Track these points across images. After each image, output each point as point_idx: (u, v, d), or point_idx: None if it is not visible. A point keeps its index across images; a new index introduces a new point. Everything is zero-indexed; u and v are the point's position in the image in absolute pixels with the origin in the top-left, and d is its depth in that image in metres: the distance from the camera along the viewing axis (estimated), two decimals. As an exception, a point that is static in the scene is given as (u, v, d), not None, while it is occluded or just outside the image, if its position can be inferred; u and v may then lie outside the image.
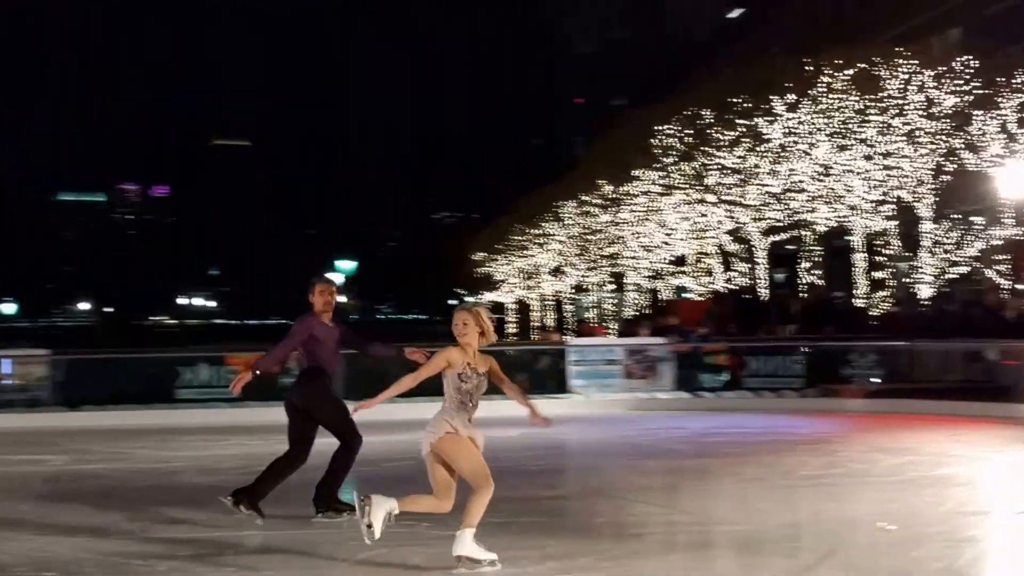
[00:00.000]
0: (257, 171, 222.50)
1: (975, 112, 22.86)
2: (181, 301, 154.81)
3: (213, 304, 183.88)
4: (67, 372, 20.75)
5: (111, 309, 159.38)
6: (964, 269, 24.99)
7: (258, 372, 9.02)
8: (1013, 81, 22.66)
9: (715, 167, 27.39)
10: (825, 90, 23.94)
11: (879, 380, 20.38)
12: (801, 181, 26.07)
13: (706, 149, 27.24)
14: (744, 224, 29.48)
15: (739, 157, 26.41)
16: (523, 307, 57.24)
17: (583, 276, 44.49)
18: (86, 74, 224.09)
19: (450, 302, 66.02)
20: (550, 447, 14.38)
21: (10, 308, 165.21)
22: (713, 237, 32.18)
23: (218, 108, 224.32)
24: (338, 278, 79.48)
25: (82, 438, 16.29)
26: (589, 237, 38.66)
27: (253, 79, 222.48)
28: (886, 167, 24.44)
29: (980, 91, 22.85)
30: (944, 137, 23.45)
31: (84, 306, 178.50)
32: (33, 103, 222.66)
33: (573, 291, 49.34)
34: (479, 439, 7.04)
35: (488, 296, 58.09)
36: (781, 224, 28.86)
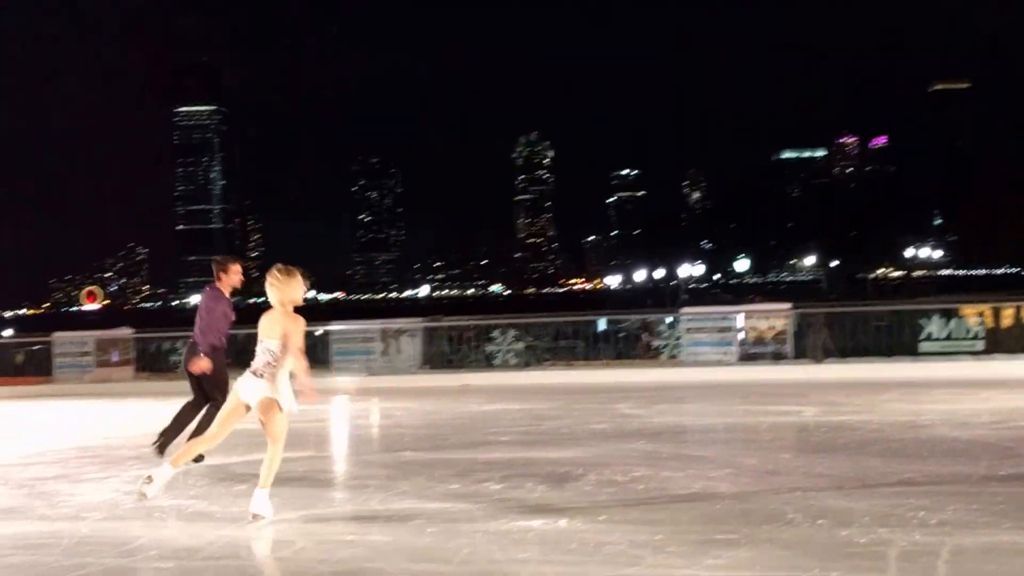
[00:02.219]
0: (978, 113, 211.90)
1: None
2: (908, 252, 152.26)
3: (939, 254, 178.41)
4: (800, 325, 21.25)
5: (836, 262, 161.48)
6: None
7: None
8: None
9: None
10: None
11: None
12: None
13: None
14: None
15: None
16: None
17: None
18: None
19: None
20: None
21: (743, 265, 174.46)
22: None
23: (932, 53, 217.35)
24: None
25: (828, 391, 16.52)
26: None
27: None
28: None
29: None
30: None
31: (809, 260, 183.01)
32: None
33: None
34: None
35: None
36: None
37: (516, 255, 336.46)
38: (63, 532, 7.53)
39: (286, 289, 7.67)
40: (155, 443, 10.80)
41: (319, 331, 24.10)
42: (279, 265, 7.84)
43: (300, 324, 7.61)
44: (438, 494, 8.61)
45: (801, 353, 20.82)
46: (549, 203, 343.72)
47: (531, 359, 23.06)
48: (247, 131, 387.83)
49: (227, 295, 10.96)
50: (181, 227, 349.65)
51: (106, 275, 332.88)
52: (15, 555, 6.84)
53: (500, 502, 8.20)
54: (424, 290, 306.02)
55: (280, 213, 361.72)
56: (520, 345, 22.92)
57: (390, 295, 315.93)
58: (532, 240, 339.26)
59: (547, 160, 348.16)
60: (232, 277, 11.00)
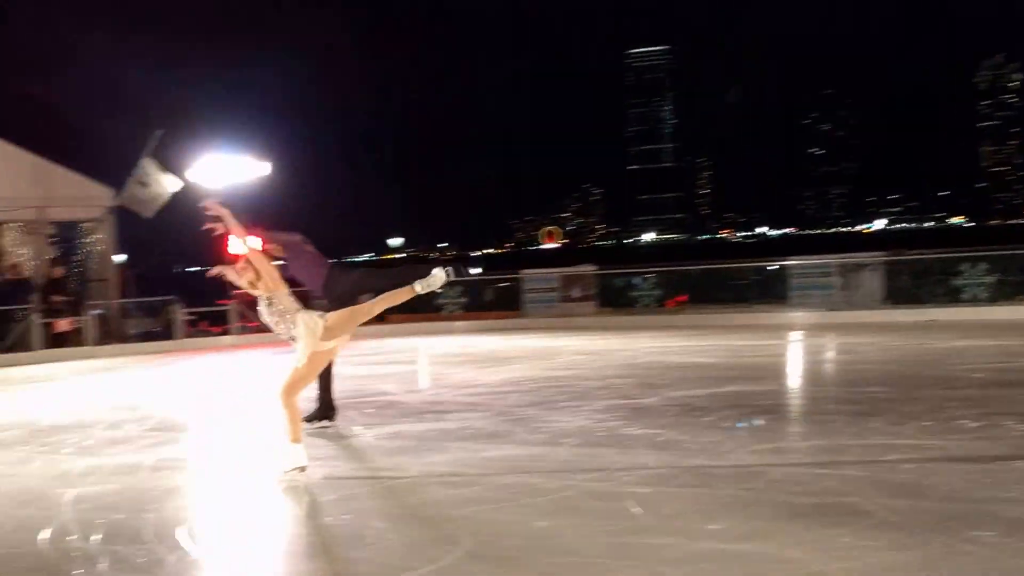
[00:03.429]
0: None
1: None
2: None
3: None
4: None
5: None
6: None
7: None
8: None
9: None
10: None
11: None
12: None
13: None
14: None
15: None
16: None
17: None
18: None
19: None
20: None
21: None
22: None
23: None
24: None
25: None
26: None
27: None
28: None
29: None
30: None
31: None
32: None
33: None
34: None
35: None
36: None
37: (979, 185, 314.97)
38: (545, 455, 8.03)
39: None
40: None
41: (774, 266, 23.88)
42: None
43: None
44: (911, 430, 8.31)
45: None
46: (1016, 129, 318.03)
47: (1001, 294, 21.53)
48: (697, 68, 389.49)
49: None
50: (634, 167, 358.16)
51: (563, 215, 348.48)
52: (503, 476, 7.38)
53: (977, 440, 7.80)
54: (879, 223, 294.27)
55: (728, 151, 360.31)
56: (991, 279, 21.46)
57: (842, 229, 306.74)
58: (996, 169, 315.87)
59: (1014, 84, 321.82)
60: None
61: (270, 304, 7.69)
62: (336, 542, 5.94)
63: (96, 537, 6.19)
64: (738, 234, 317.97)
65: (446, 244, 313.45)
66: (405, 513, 6.50)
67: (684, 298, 24.13)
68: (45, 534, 6.32)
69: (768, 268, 24.07)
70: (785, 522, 5.79)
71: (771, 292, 23.25)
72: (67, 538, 6.23)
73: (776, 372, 13.75)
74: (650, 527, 5.87)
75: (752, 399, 10.49)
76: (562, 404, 10.76)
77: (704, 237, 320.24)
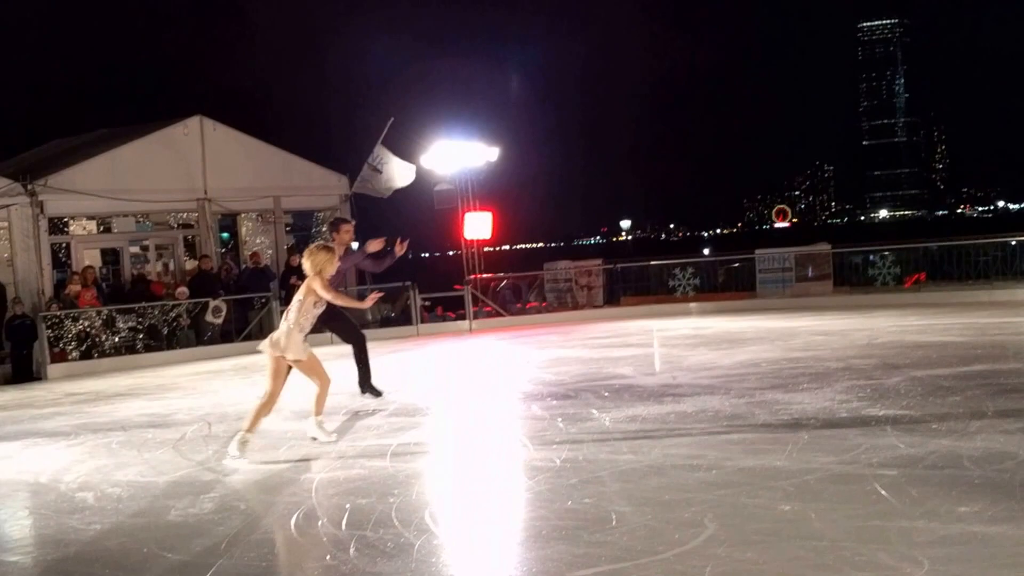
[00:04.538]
0: None
1: None
2: None
3: None
4: None
5: None
6: None
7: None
8: None
9: None
10: None
11: None
12: None
13: None
14: None
15: None
16: None
17: None
18: None
19: None
20: None
21: None
22: None
23: None
24: None
25: None
26: None
27: None
28: None
29: None
30: None
31: None
32: None
33: None
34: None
35: None
36: None
37: None
38: (786, 438, 7.89)
39: (316, 260, 9.16)
40: (365, 392, 11.83)
41: (1014, 242, 22.67)
42: (316, 243, 10.14)
43: (317, 283, 9.09)
44: None
45: None
46: None
47: None
48: (930, 43, 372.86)
49: (340, 252, 11.36)
50: (866, 142, 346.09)
51: (794, 193, 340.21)
52: (745, 459, 7.30)
53: None
54: None
55: (964, 124, 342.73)
56: None
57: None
58: None
59: None
60: (343, 236, 11.99)
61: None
62: (580, 525, 5.99)
63: (344, 522, 6.47)
64: (977, 208, 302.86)
65: (673, 225, 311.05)
66: (647, 496, 6.51)
67: (922, 276, 23.20)
68: (294, 519, 6.64)
69: (1010, 244, 22.83)
70: (1044, 506, 5.54)
71: (1013, 268, 22.07)
72: (317, 523, 6.52)
73: (1023, 350, 13.05)
74: (898, 510, 5.72)
75: (999, 377, 10.01)
76: (802, 386, 10.54)
77: (941, 213, 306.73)
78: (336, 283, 11.82)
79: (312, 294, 9.12)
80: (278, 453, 9.04)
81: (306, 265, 9.25)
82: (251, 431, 8.80)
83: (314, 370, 9.29)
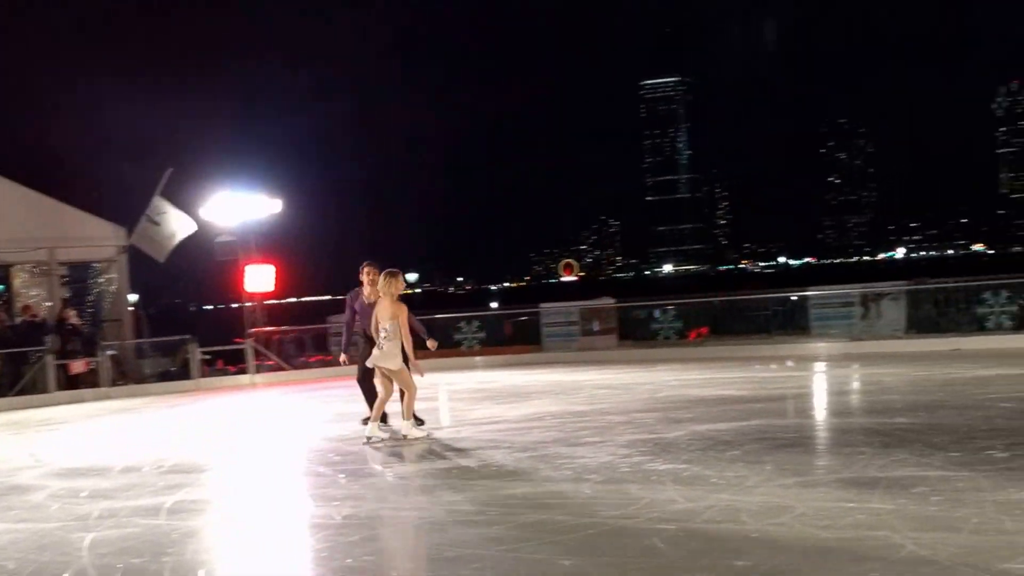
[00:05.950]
0: None
1: None
2: None
3: None
4: None
5: None
6: None
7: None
8: None
9: None
10: None
11: None
12: None
13: None
14: None
15: None
16: None
17: None
18: None
19: None
20: None
21: None
22: None
23: None
24: None
25: None
26: None
27: None
28: None
29: None
30: None
31: None
32: None
33: None
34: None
35: None
36: None
37: (999, 212, 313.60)
38: (569, 492, 7.92)
39: (394, 285, 10.98)
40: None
41: (794, 296, 23.75)
42: (388, 270, 11.18)
43: (405, 309, 10.96)
44: (939, 461, 8.18)
45: None
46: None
47: (1026, 322, 21.32)
48: (711, 100, 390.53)
49: (361, 296, 12.15)
50: (650, 198, 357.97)
51: (581, 247, 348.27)
52: (527, 514, 7.27)
53: (1007, 471, 7.66)
54: (899, 252, 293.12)
55: (745, 180, 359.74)
56: (1014, 307, 21.27)
57: (863, 258, 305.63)
58: (1016, 195, 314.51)
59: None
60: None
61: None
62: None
63: (116, 582, 6.11)
64: (759, 264, 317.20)
65: (461, 279, 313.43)
66: (429, 554, 6.40)
67: (705, 330, 24.01)
68: (65, 580, 6.25)
69: (789, 298, 23.94)
70: (815, 557, 5.69)
71: (793, 323, 23.12)
72: (86, 583, 6.15)
73: (800, 404, 13.61)
74: (676, 564, 5.77)
75: (777, 432, 10.38)
76: (585, 439, 10.66)
77: (724, 268, 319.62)
78: (365, 322, 11.93)
79: (403, 314, 10.88)
80: (49, 512, 8.52)
81: (390, 288, 10.91)
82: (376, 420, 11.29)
83: (404, 380, 11.04)
